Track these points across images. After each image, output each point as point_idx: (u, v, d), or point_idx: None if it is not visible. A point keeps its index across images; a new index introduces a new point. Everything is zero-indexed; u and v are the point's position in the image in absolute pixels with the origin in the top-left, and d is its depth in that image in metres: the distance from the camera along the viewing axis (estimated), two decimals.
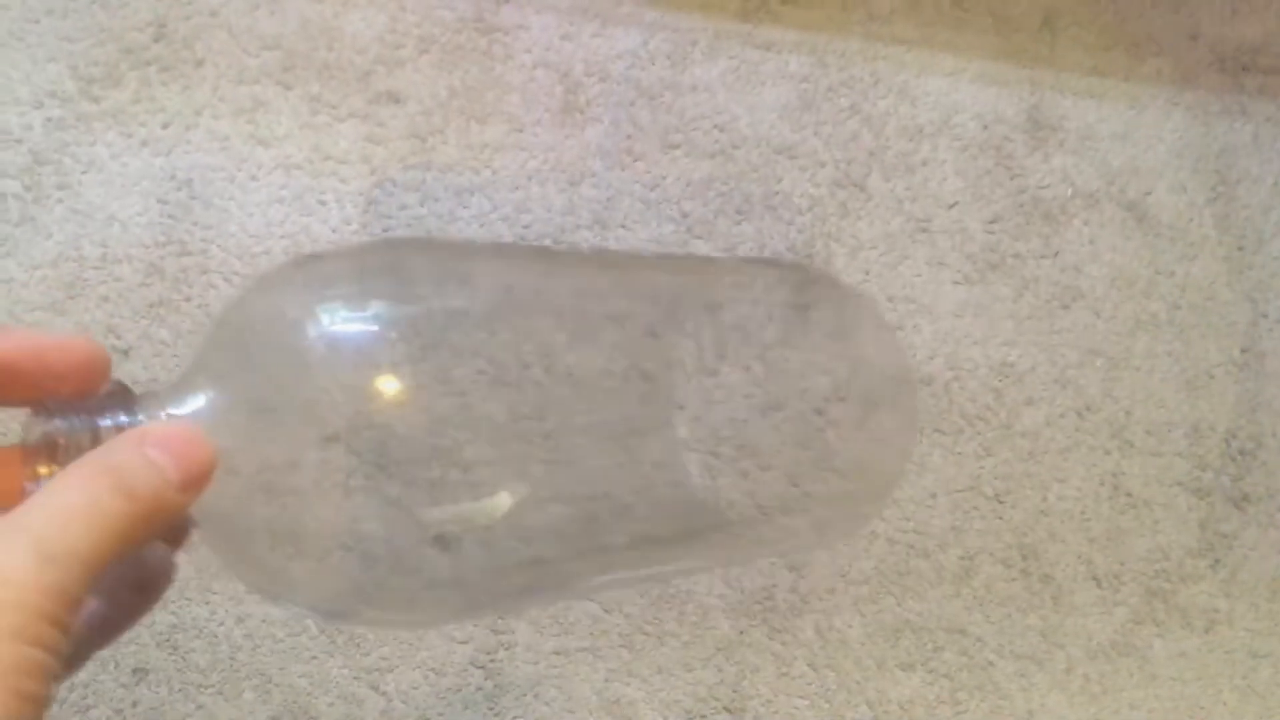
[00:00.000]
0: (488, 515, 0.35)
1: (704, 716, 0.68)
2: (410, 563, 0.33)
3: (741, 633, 0.69)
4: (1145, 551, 0.73)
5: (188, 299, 0.69)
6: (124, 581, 0.32)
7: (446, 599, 0.35)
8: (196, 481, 0.28)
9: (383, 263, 0.37)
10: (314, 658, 0.65)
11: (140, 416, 0.29)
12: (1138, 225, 0.78)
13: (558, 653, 0.67)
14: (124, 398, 0.29)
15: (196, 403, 0.31)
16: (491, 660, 0.66)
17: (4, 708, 0.23)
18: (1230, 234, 0.79)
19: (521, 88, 0.75)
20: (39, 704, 0.24)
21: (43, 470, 0.28)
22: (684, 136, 0.76)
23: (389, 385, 0.34)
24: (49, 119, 0.70)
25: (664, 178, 0.75)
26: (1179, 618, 0.72)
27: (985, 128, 0.78)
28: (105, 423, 0.28)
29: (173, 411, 0.30)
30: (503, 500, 0.35)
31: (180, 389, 0.31)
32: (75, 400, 0.29)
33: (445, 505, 0.34)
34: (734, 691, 0.68)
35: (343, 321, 0.34)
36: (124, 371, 0.67)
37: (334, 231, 0.71)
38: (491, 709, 0.66)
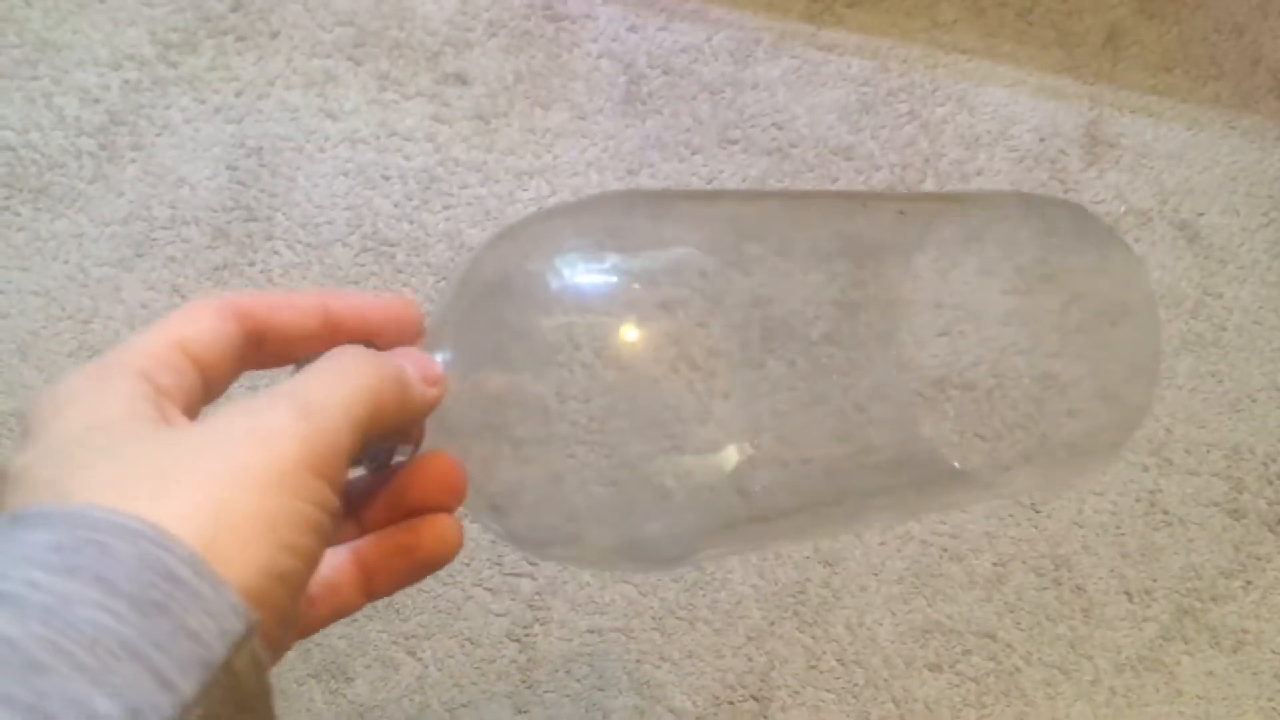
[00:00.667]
0: (717, 470, 0.35)
1: (731, 704, 0.69)
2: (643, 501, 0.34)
3: (772, 623, 0.70)
4: (1178, 569, 0.74)
5: (251, 263, 0.70)
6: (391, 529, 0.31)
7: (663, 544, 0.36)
8: (437, 381, 0.30)
9: (614, 214, 0.38)
10: (354, 620, 0.67)
11: None
12: (1189, 245, 0.79)
13: (591, 631, 0.68)
14: None
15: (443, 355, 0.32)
16: (527, 634, 0.68)
17: (269, 561, 0.22)
18: None
19: (586, 76, 0.76)
20: (307, 559, 0.24)
21: None
22: (742, 133, 0.77)
23: (628, 334, 0.35)
24: (126, 81, 0.72)
25: (721, 172, 0.76)
26: (1208, 636, 0.73)
27: (1042, 140, 0.79)
28: None
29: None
30: (730, 456, 0.36)
31: (428, 344, 0.33)
32: None
33: (670, 458, 0.35)
34: (762, 681, 0.69)
35: (582, 273, 0.35)
36: None
37: (396, 206, 0.72)
38: (524, 681, 0.67)
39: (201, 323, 0.27)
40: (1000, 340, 0.43)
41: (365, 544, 0.30)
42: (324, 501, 0.24)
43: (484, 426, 0.34)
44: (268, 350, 0.29)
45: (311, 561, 0.24)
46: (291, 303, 0.29)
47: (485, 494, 0.34)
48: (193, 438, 0.24)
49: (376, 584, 0.30)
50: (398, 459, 0.31)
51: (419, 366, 0.29)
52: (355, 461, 0.29)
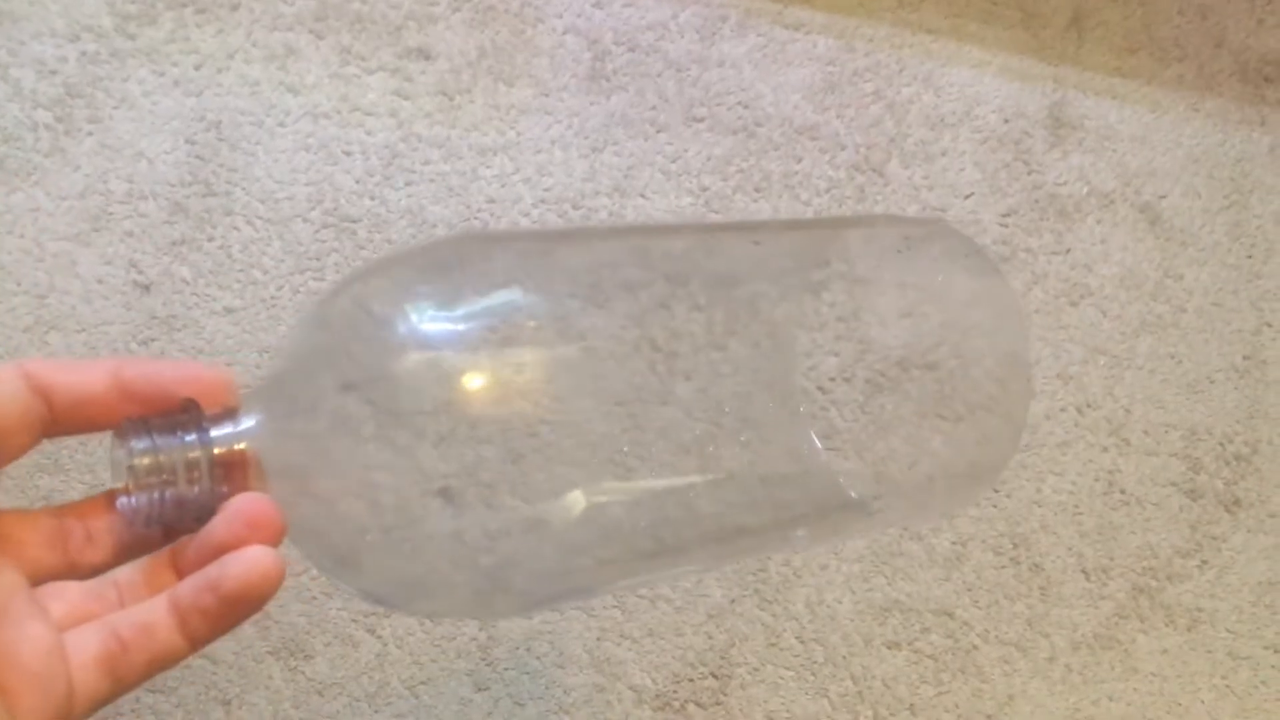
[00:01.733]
0: (567, 512, 0.35)
1: (691, 680, 0.69)
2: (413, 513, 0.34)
3: (733, 601, 0.70)
4: (1135, 548, 0.74)
5: (210, 239, 0.70)
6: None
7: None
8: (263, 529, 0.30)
9: (457, 255, 0.37)
10: (314, 598, 0.67)
11: (211, 433, 0.30)
12: (1150, 227, 0.79)
13: (552, 609, 0.68)
14: (195, 415, 0.30)
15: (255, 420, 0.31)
16: (482, 598, 0.68)
17: None
18: (1241, 242, 0.80)
19: (550, 52, 0.76)
20: None
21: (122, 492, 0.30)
22: (708, 111, 0.76)
23: (476, 380, 0.34)
24: (84, 53, 0.71)
25: (685, 150, 0.76)
26: (1163, 615, 0.74)
27: (1006, 121, 0.79)
28: (175, 440, 0.30)
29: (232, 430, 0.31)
30: (577, 499, 0.35)
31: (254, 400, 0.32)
32: (150, 418, 0.30)
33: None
34: (722, 658, 0.69)
35: (429, 320, 0.34)
36: (143, 307, 0.68)
37: (357, 182, 0.72)
38: (484, 659, 0.67)
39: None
40: (874, 365, 0.43)
41: (180, 587, 0.29)
42: None
43: (319, 475, 0.33)
44: (59, 414, 0.29)
45: None
46: (77, 366, 0.29)
47: (328, 547, 0.34)
48: None
49: (194, 628, 0.29)
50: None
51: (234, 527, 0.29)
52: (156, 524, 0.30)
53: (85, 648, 0.28)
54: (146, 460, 0.29)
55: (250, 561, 0.29)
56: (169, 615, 0.29)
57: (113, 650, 0.28)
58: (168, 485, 0.29)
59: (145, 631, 0.29)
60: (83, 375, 0.29)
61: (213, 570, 0.29)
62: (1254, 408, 0.77)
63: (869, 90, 0.78)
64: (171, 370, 0.30)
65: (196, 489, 0.30)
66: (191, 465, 0.30)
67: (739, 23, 0.78)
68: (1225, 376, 0.78)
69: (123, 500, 0.30)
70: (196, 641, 0.29)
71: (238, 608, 0.29)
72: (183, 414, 0.30)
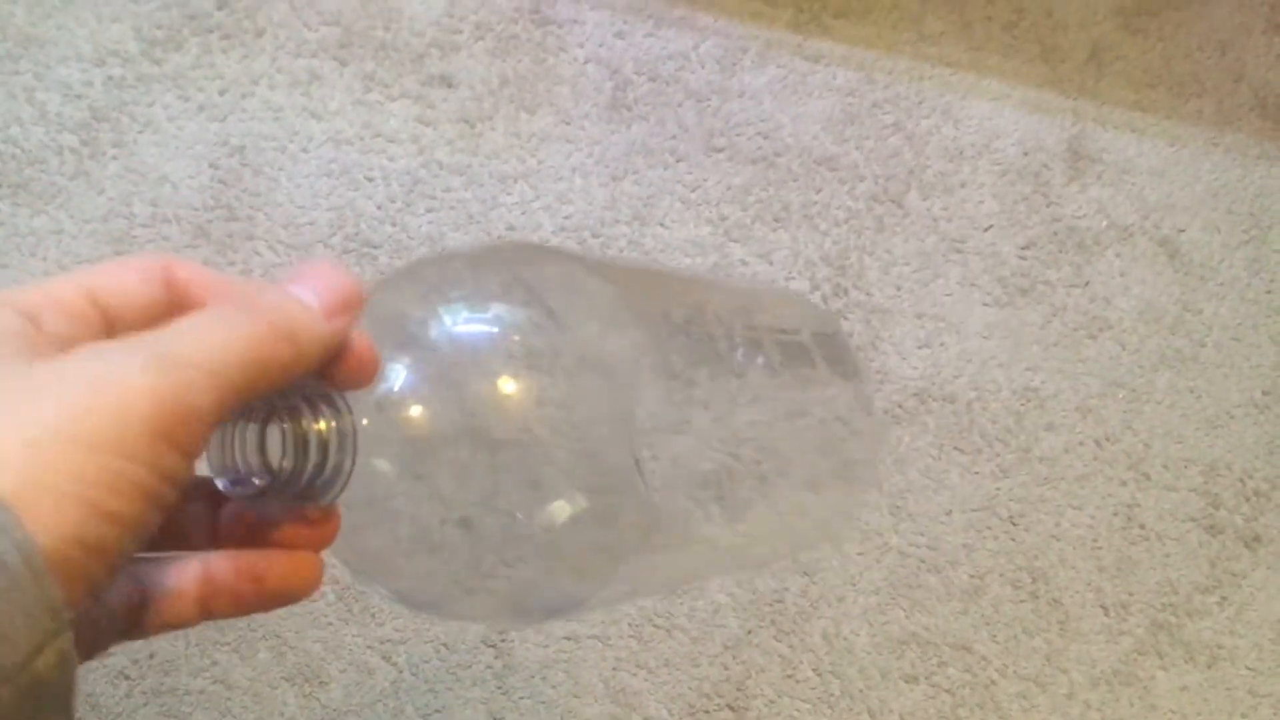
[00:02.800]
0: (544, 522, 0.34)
1: (707, 712, 0.69)
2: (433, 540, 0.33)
3: (750, 632, 0.69)
4: (1154, 584, 0.74)
5: (232, 263, 0.70)
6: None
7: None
8: (343, 308, 0.26)
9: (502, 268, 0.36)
10: (330, 624, 0.66)
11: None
12: (1169, 261, 0.79)
13: (568, 638, 0.68)
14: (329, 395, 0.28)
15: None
16: (503, 639, 0.67)
17: (79, 529, 0.20)
18: (1260, 277, 0.80)
19: (572, 81, 0.76)
20: (129, 528, 0.21)
21: None
22: (728, 141, 0.77)
23: (507, 386, 0.33)
24: (110, 77, 0.71)
25: (705, 180, 0.76)
26: (1183, 651, 0.73)
27: (1025, 154, 0.79)
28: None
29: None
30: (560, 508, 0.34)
31: None
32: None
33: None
34: (738, 690, 0.69)
35: (463, 322, 0.33)
36: None
37: (379, 208, 0.72)
38: (499, 687, 0.67)
39: (122, 277, 0.25)
40: (741, 450, 0.43)
41: (217, 561, 0.28)
42: (166, 469, 0.21)
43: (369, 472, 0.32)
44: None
45: (139, 532, 0.21)
46: (232, 285, 0.26)
47: (361, 551, 0.33)
48: (40, 376, 0.21)
49: (217, 604, 0.27)
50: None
51: (326, 294, 0.26)
52: (262, 490, 0.27)
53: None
54: (320, 425, 0.27)
55: (303, 566, 0.28)
56: (199, 587, 0.27)
57: (133, 601, 0.27)
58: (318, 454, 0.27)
59: (172, 599, 0.27)
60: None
61: (260, 562, 0.28)
62: (1274, 443, 0.77)
63: (888, 122, 0.78)
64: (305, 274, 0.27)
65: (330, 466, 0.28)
66: (343, 440, 0.28)
67: (759, 54, 0.78)
68: (1245, 412, 0.77)
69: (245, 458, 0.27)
70: (211, 617, 0.28)
71: (268, 603, 0.28)
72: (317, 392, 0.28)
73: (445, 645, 0.67)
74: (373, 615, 0.67)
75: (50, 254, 0.69)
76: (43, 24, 0.71)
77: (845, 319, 0.75)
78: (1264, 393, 0.78)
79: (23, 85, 0.70)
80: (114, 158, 0.70)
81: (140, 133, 0.71)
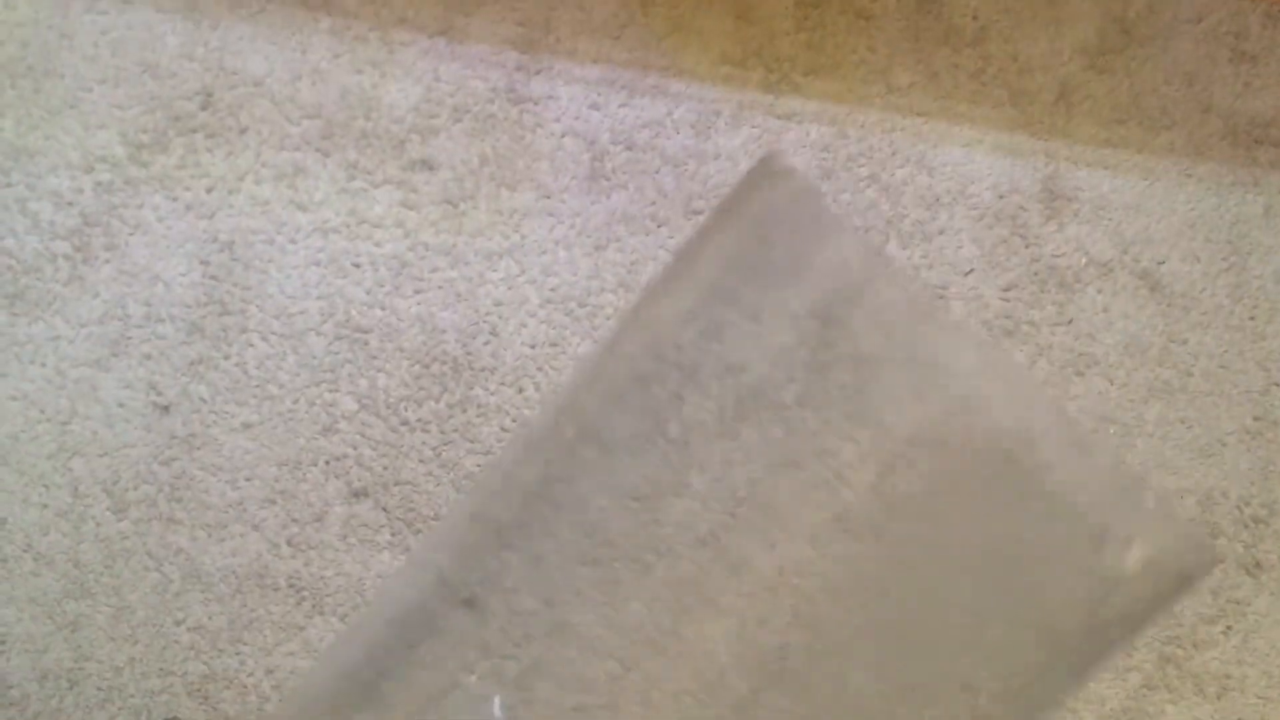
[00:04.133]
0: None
1: None
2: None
3: (756, 691, 0.70)
4: (1158, 618, 0.74)
5: (226, 356, 0.71)
6: None
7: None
8: None
9: None
10: None
11: None
12: (1151, 294, 0.80)
13: (576, 709, 0.68)
14: None
15: None
16: (511, 715, 0.68)
17: None
18: (1243, 303, 0.80)
19: (550, 155, 0.78)
20: None
21: None
22: (706, 203, 0.78)
23: None
24: (99, 183, 0.73)
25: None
26: (1191, 684, 0.73)
27: (1001, 197, 0.80)
28: None
29: None
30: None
31: None
32: None
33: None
34: None
35: None
36: (163, 428, 0.70)
37: (368, 293, 0.73)
38: None
39: None
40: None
41: None
42: None
43: None
44: None
45: None
46: None
47: None
48: None
49: None
50: None
51: None
52: None
53: None
54: None
55: None
56: None
57: None
58: None
59: None
60: None
61: None
62: (1268, 468, 0.77)
63: (863, 174, 0.80)
64: None
65: None
66: None
67: (732, 116, 0.80)
68: (1237, 439, 0.78)
69: None
70: None
71: None
72: None
73: None
74: (382, 698, 0.67)
75: (49, 360, 0.70)
76: (30, 135, 0.73)
77: (833, 370, 0.76)
78: (1255, 418, 0.78)
79: (15, 196, 0.72)
80: (107, 261, 0.72)
81: (131, 235, 0.72)
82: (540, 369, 0.74)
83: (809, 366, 0.55)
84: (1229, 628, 0.74)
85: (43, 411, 0.69)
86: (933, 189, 0.80)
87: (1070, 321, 0.79)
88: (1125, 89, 0.84)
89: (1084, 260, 0.80)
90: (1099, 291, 0.79)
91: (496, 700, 0.33)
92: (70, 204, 0.73)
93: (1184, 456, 0.77)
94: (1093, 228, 0.81)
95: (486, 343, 0.74)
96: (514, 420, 0.72)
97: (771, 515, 0.46)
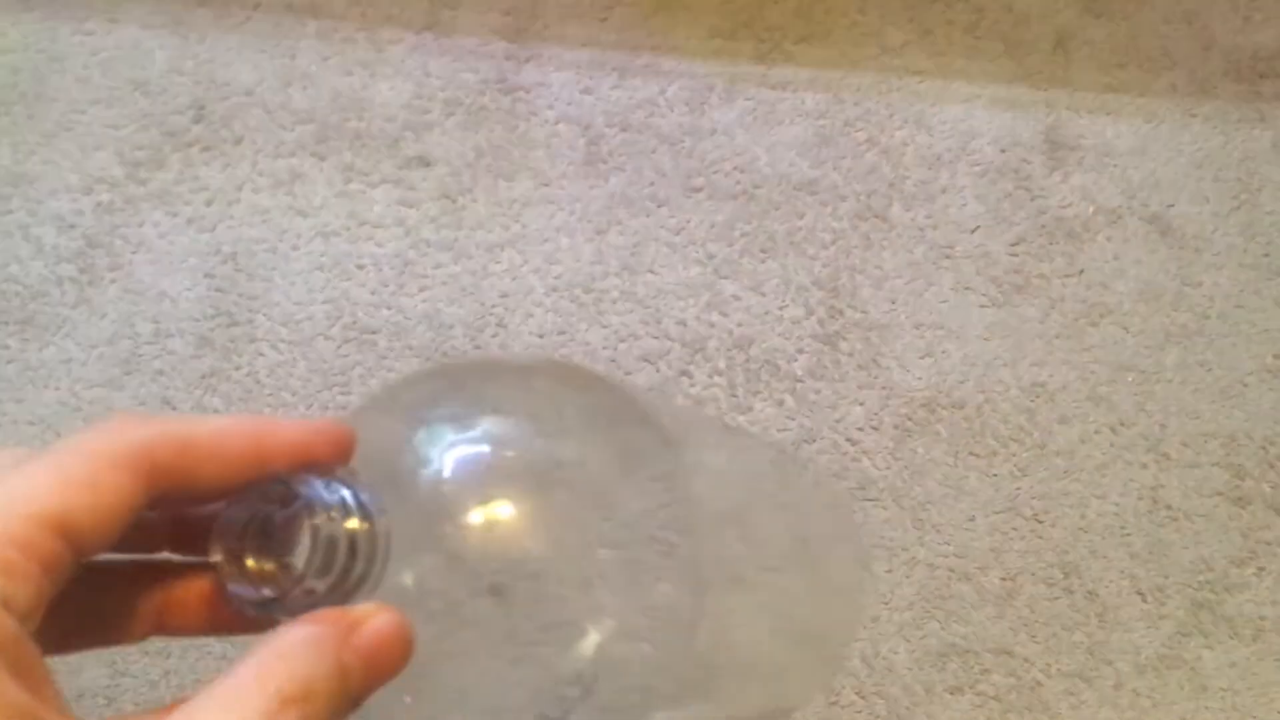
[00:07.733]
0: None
1: None
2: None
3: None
4: (1188, 563, 0.73)
5: (237, 367, 0.72)
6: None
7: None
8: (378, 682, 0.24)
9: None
10: None
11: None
12: (1162, 238, 0.79)
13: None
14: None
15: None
16: None
17: None
18: (1256, 241, 0.79)
19: (545, 143, 0.77)
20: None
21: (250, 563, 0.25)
22: (705, 180, 0.77)
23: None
24: (99, 203, 0.73)
25: (688, 221, 0.77)
26: (1226, 627, 0.73)
27: (1003, 151, 0.79)
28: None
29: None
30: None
31: None
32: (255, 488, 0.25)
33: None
34: None
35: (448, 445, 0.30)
36: None
37: (373, 294, 0.73)
38: None
39: (97, 486, 0.22)
40: None
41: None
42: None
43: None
44: (172, 500, 0.24)
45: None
46: (221, 450, 0.24)
47: None
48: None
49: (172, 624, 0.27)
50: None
51: (373, 672, 0.24)
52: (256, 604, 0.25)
53: None
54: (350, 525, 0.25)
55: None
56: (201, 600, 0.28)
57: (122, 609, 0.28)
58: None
59: (176, 609, 0.27)
60: (221, 468, 0.24)
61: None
62: None
63: (862, 138, 0.79)
64: (305, 432, 0.25)
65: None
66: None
67: (726, 90, 0.79)
68: (1258, 378, 0.77)
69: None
70: (218, 632, 0.28)
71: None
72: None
73: None
74: None
75: (62, 383, 0.71)
76: (28, 160, 0.74)
77: (844, 340, 0.76)
78: (1275, 356, 0.77)
79: (17, 223, 0.73)
80: (112, 281, 0.72)
81: (134, 253, 0.73)
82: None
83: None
84: (1261, 569, 0.74)
85: (59, 435, 0.70)
86: (933, 148, 0.79)
87: (1081, 272, 0.78)
88: (1123, 32, 0.82)
89: (1091, 209, 0.79)
90: (1108, 240, 0.78)
91: None
92: (72, 226, 0.73)
93: (1205, 400, 0.76)
94: (1098, 175, 0.79)
95: (495, 335, 0.74)
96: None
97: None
